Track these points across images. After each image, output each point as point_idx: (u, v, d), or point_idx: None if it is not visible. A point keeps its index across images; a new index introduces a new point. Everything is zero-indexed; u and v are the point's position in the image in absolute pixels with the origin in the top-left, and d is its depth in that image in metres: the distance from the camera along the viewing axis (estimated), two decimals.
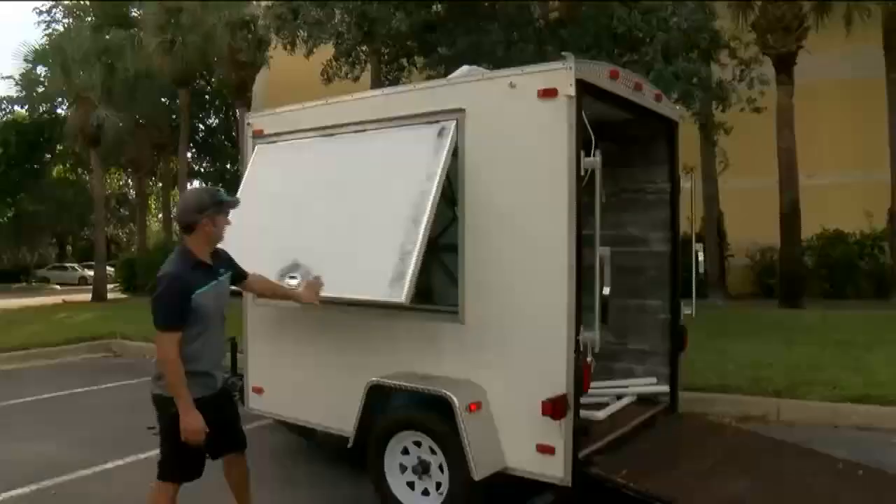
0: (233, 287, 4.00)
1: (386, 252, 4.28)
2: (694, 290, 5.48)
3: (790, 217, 13.97)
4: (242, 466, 3.99)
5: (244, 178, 5.43)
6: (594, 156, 4.00)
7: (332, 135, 5.02)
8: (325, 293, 4.40)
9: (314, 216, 4.88)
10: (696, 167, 13.88)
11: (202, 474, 3.74)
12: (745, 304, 14.76)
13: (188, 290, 3.50)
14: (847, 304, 14.32)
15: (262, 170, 5.39)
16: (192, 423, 3.48)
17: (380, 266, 4.27)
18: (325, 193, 4.88)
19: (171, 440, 3.60)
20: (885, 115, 14.51)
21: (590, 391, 4.27)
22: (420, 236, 4.15)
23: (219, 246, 3.80)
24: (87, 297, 22.90)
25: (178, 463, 3.65)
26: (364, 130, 4.83)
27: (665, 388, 5.42)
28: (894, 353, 8.31)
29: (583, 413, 4.17)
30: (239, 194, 5.17)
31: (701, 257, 5.60)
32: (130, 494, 5.01)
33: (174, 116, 26.61)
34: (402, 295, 4.11)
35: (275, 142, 5.39)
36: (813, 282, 15.57)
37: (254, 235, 4.84)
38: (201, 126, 31.86)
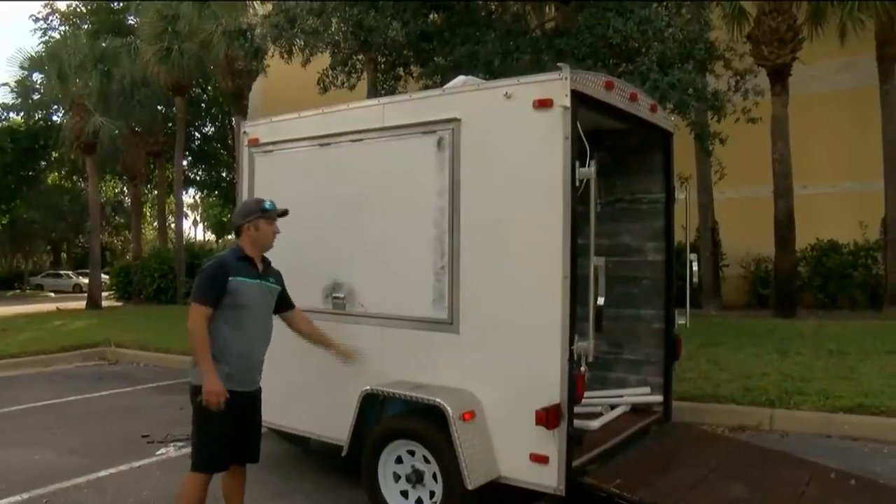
0: (276, 314, 4.29)
1: (419, 271, 4.49)
2: (688, 299, 5.50)
3: (785, 227, 14.02)
4: (242, 478, 4.12)
5: (255, 192, 5.43)
6: (589, 166, 4.02)
7: (328, 144, 5.04)
8: (368, 311, 4.75)
9: (338, 233, 4.96)
10: (692, 177, 13.97)
11: (226, 467, 3.93)
12: (739, 314, 14.79)
13: (226, 272, 3.85)
14: (840, 314, 14.36)
15: (270, 181, 5.39)
16: (213, 385, 3.72)
17: (418, 285, 4.49)
18: (343, 209, 4.94)
19: (200, 429, 3.85)
20: (878, 126, 14.59)
21: (583, 401, 4.29)
22: (448, 256, 4.36)
23: (273, 266, 4.19)
24: (82, 304, 22.86)
25: (206, 453, 3.85)
26: (361, 140, 4.85)
27: (659, 398, 5.43)
28: (887, 363, 8.35)
29: (576, 422, 4.18)
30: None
31: (695, 267, 5.62)
32: (123, 502, 5.00)
33: (170, 124, 26.63)
34: (445, 313, 4.35)
35: (271, 151, 5.41)
36: (807, 292, 15.61)
37: (285, 252, 4.94)
38: (197, 134, 31.89)
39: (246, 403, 3.95)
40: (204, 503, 3.91)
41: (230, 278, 3.83)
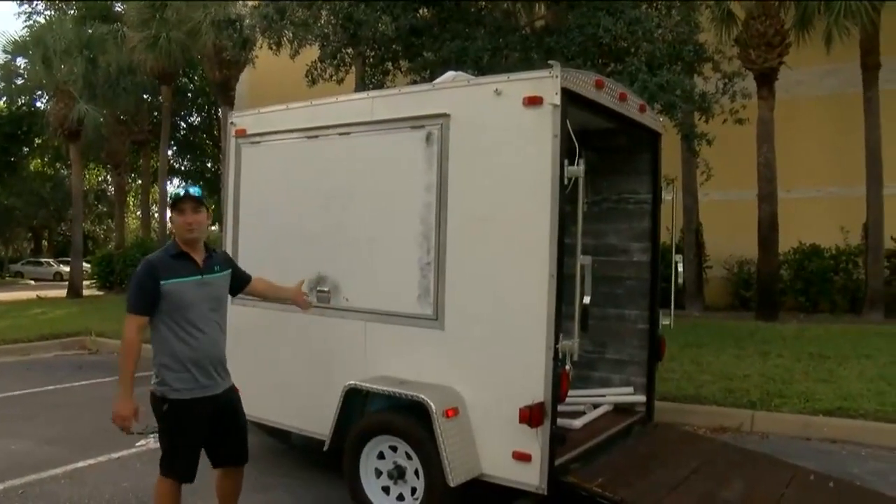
0: (241, 295, 4.21)
1: (405, 266, 4.47)
2: (672, 300, 5.52)
3: (768, 230, 14.11)
4: (236, 480, 4.00)
5: (241, 183, 5.41)
6: (578, 164, 4.02)
7: (316, 137, 5.00)
8: (352, 305, 4.71)
9: (325, 226, 4.92)
10: (677, 178, 14.03)
11: (193, 479, 3.75)
12: (721, 316, 14.89)
13: (156, 277, 3.57)
14: (821, 317, 14.49)
15: (256, 173, 5.35)
16: (119, 409, 3.59)
17: (403, 281, 4.47)
18: (330, 202, 4.90)
19: (164, 437, 3.73)
20: (862, 132, 14.72)
21: (567, 399, 4.29)
22: (434, 251, 4.33)
23: (217, 249, 4.01)
24: (63, 293, 22.64)
25: (170, 461, 3.73)
26: (349, 133, 4.82)
27: (641, 398, 5.45)
28: (865, 366, 8.43)
29: (559, 421, 4.18)
30: (241, 200, 5.27)
31: (680, 268, 5.64)
32: (100, 494, 4.96)
33: (156, 113, 26.38)
34: (430, 308, 4.33)
35: (258, 142, 5.36)
36: (789, 295, 15.73)
37: (270, 244, 4.89)
38: (183, 124, 31.63)
39: (219, 406, 3.74)
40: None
41: (162, 282, 3.55)
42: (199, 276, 3.70)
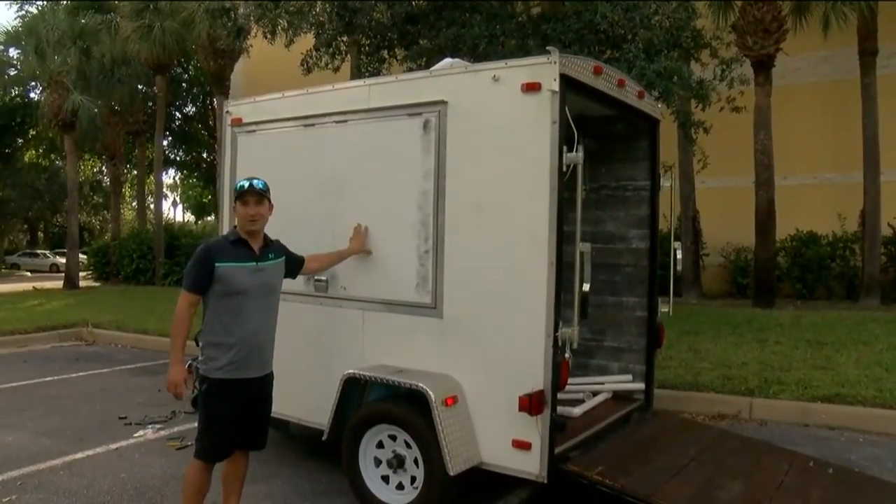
0: (300, 275, 4.41)
1: (403, 254, 4.46)
2: (671, 288, 5.50)
3: (765, 218, 14.10)
4: (243, 465, 4.04)
5: (238, 172, 5.34)
6: (576, 151, 3.99)
7: (312, 125, 4.97)
8: (350, 294, 4.73)
9: (322, 214, 4.89)
10: (675, 165, 14.01)
11: (221, 459, 3.87)
12: (719, 303, 14.91)
13: (211, 259, 3.72)
14: (818, 304, 14.52)
15: (252, 162, 5.29)
16: (172, 375, 3.70)
17: (401, 269, 4.47)
18: (327, 190, 4.87)
19: (201, 417, 3.81)
20: (859, 118, 14.70)
21: (566, 388, 4.28)
22: (432, 239, 4.32)
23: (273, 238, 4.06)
24: (59, 284, 22.58)
25: (206, 441, 3.80)
26: (346, 121, 4.79)
27: (640, 386, 5.44)
28: (863, 353, 8.45)
29: (559, 409, 4.17)
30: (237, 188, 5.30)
31: (679, 255, 5.63)
32: (99, 485, 4.94)
33: (150, 103, 26.26)
34: (429, 297, 4.32)
35: (254, 131, 5.33)
36: (786, 282, 15.76)
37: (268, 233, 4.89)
38: (178, 114, 31.50)
39: (254, 390, 3.84)
40: (205, 490, 3.86)
41: (217, 265, 3.70)
42: (254, 263, 3.83)
